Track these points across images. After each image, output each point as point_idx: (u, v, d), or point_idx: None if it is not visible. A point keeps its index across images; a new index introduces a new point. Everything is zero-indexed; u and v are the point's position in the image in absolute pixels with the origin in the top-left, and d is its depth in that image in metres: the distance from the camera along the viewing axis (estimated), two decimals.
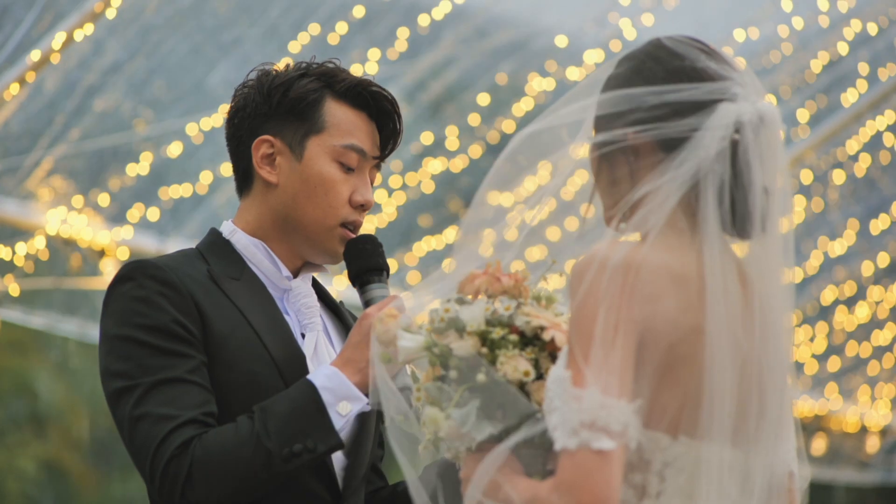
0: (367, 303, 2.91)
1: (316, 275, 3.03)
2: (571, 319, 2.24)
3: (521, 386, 2.36)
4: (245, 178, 2.98)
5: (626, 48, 2.41)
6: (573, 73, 7.60)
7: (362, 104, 2.95)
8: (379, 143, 2.98)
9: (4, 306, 6.81)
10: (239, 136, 2.97)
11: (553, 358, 2.38)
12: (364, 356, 2.75)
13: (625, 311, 2.21)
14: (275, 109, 2.93)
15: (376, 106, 2.96)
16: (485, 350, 2.37)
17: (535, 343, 2.39)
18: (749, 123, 2.31)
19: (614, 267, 2.22)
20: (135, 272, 2.81)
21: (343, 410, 2.74)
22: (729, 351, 2.26)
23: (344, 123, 2.93)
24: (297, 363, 2.84)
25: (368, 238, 2.95)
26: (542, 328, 2.39)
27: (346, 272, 2.97)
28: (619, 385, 2.18)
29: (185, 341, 2.76)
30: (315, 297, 2.97)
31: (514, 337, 2.38)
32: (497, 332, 2.37)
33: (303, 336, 2.92)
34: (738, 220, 2.31)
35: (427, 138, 7.76)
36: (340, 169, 2.93)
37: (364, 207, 2.94)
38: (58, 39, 6.06)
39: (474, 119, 7.79)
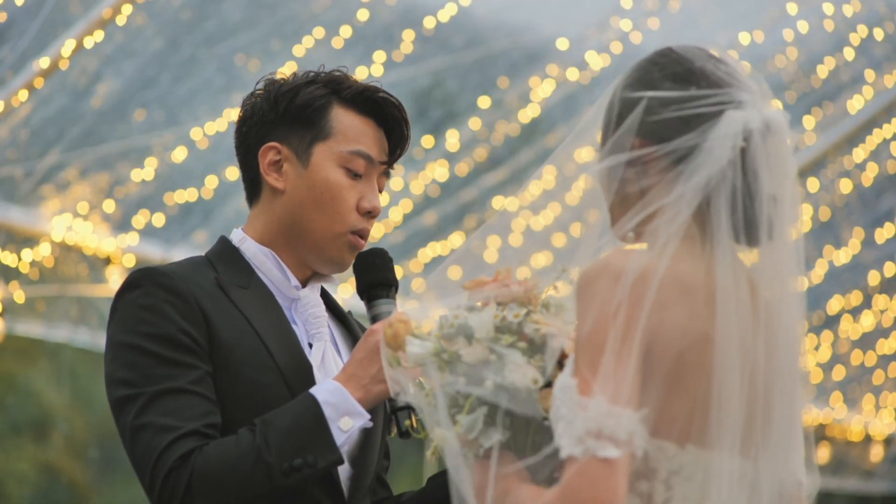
0: (374, 318, 2.90)
1: (325, 284, 3.03)
2: (577, 327, 2.23)
3: (529, 394, 2.35)
4: (253, 186, 2.97)
5: (628, 51, 2.41)
6: (573, 75, 7.60)
7: (369, 110, 2.94)
8: (387, 148, 2.97)
9: (10, 313, 6.80)
10: (247, 144, 2.96)
11: (562, 366, 2.37)
12: (368, 373, 2.74)
13: (632, 319, 2.20)
14: (281, 116, 2.92)
15: (384, 112, 2.95)
16: (493, 357, 2.36)
17: (544, 351, 2.39)
18: (756, 131, 2.30)
19: (622, 276, 2.21)
20: (143, 280, 2.80)
21: (345, 426, 2.73)
22: (738, 360, 2.25)
23: (350, 129, 2.92)
24: (303, 373, 2.83)
25: (379, 252, 2.95)
26: (552, 336, 2.38)
27: (351, 279, 2.97)
28: (625, 393, 2.18)
29: (191, 351, 2.75)
30: (323, 306, 2.96)
31: (522, 344, 2.37)
32: (506, 340, 2.37)
33: (310, 346, 2.91)
34: (746, 227, 2.30)
35: (429, 142, 7.76)
36: (347, 175, 2.92)
37: (371, 214, 2.93)
38: (67, 46, 6.06)
39: (475, 123, 7.79)
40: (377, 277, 2.92)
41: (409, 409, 2.76)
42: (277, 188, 2.92)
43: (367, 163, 2.92)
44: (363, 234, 2.93)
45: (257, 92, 2.96)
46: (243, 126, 2.97)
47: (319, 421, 2.71)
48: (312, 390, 2.75)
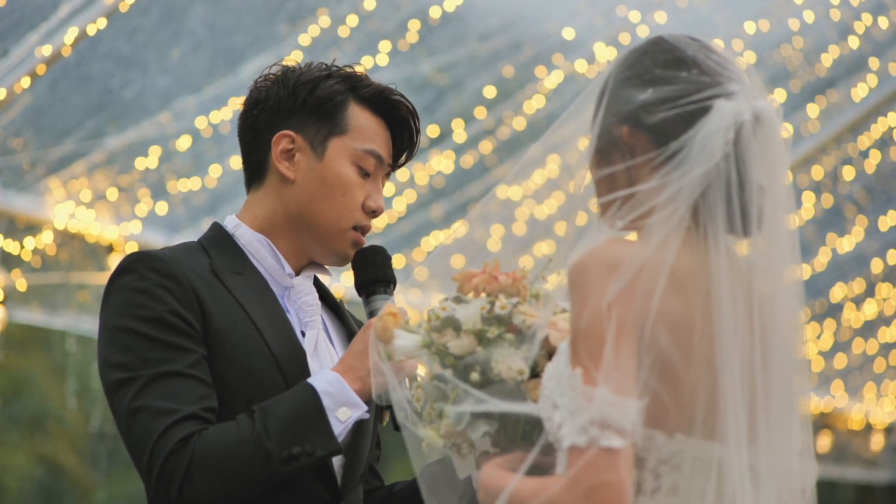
0: (371, 313, 2.92)
1: (319, 274, 3.03)
2: (573, 317, 2.22)
3: (517, 385, 2.35)
4: (258, 170, 2.97)
5: (635, 42, 2.40)
6: (581, 66, 7.59)
7: (383, 111, 2.97)
8: (392, 151, 2.99)
9: (11, 301, 6.81)
10: (257, 128, 2.96)
11: (550, 356, 2.37)
12: (365, 365, 2.75)
13: (628, 309, 2.20)
14: (299, 106, 2.93)
15: (396, 115, 2.97)
16: (480, 349, 2.36)
17: (532, 342, 2.38)
18: (747, 122, 2.30)
19: (618, 266, 2.21)
20: (136, 264, 2.80)
21: (342, 416, 2.74)
22: (731, 350, 2.25)
23: (366, 128, 2.94)
24: (297, 360, 2.84)
25: (378, 249, 2.96)
26: (539, 327, 2.38)
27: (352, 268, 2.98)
28: (628, 383, 2.18)
29: (186, 335, 2.75)
30: (316, 295, 2.97)
31: (510, 335, 2.37)
32: (493, 331, 2.37)
33: (303, 334, 2.92)
34: (740, 218, 2.30)
35: (434, 131, 7.75)
36: (358, 173, 2.94)
37: (375, 213, 2.96)
38: (70, 34, 6.06)
39: (480, 112, 7.78)
40: (376, 274, 2.94)
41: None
42: (288, 177, 2.93)
43: (377, 162, 2.95)
44: (365, 231, 2.96)
45: (270, 76, 2.97)
46: (254, 109, 2.97)
47: (318, 411, 2.72)
48: (311, 380, 2.76)
